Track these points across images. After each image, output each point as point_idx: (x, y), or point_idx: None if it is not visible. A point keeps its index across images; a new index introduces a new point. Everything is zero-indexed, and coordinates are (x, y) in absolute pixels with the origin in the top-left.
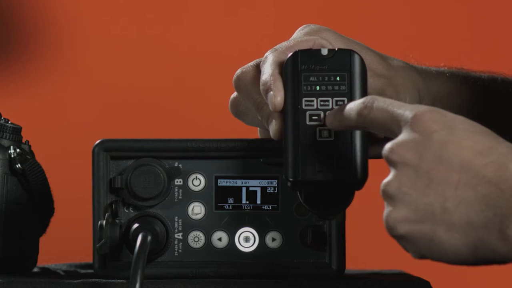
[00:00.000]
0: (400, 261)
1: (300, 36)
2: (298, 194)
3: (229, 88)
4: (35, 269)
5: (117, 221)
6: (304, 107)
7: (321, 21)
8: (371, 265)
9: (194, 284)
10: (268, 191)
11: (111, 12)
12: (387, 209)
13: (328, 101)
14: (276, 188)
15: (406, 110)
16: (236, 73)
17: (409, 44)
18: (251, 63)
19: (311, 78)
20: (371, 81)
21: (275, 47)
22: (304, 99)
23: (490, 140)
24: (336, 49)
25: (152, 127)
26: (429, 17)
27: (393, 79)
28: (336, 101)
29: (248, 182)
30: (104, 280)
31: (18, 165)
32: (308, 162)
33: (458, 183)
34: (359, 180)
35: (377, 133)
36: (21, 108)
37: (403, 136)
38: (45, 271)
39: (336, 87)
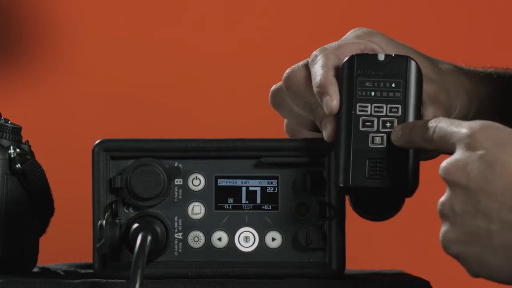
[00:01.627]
0: (400, 261)
1: (351, 38)
2: (348, 198)
3: (229, 88)
4: (35, 269)
5: (117, 221)
6: (358, 113)
7: (321, 21)
8: (371, 265)
9: (194, 284)
10: (268, 191)
11: (111, 12)
12: (442, 228)
13: (382, 107)
14: (276, 188)
15: (462, 128)
16: (286, 72)
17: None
18: (301, 63)
19: (367, 84)
20: (423, 86)
21: (324, 46)
22: (358, 104)
23: None
24: (393, 55)
25: (152, 127)
26: (429, 17)
27: (444, 84)
28: (390, 108)
29: (248, 182)
30: (104, 280)
31: (18, 165)
32: (360, 168)
33: (502, 205)
34: (410, 188)
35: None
36: (21, 108)
37: (456, 155)
38: (45, 271)
39: (391, 94)
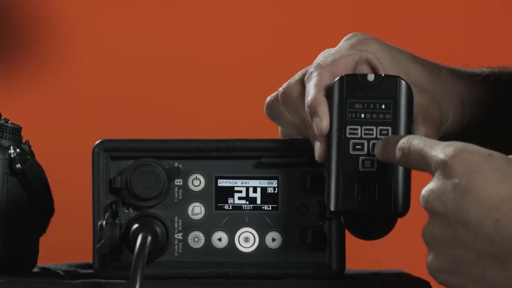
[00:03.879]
0: (400, 261)
1: (345, 48)
2: (341, 218)
3: (229, 88)
4: (35, 269)
5: (117, 221)
6: (348, 135)
7: (320, 21)
8: (371, 265)
9: (194, 284)
10: (268, 191)
11: (112, 13)
12: (428, 256)
13: (372, 129)
14: (276, 188)
15: (437, 153)
16: (282, 86)
17: (409, 44)
18: (297, 77)
19: (356, 105)
20: (416, 98)
21: (319, 60)
22: (348, 127)
23: (510, 188)
24: (383, 75)
25: (152, 127)
26: (428, 17)
27: (437, 94)
28: (381, 130)
29: (248, 182)
30: (104, 280)
31: (18, 165)
32: (350, 193)
33: (477, 235)
34: (401, 211)
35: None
36: (21, 108)
37: (432, 183)
38: (45, 271)
39: (381, 116)
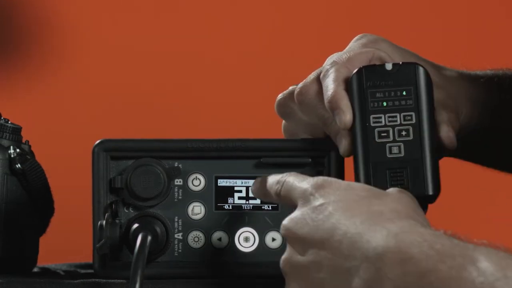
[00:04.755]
0: None
1: (357, 47)
2: None
3: (229, 88)
4: (35, 269)
5: (117, 221)
6: (372, 124)
7: (320, 21)
8: None
9: (194, 284)
10: None
11: (111, 12)
12: (285, 285)
13: (396, 116)
14: None
15: (303, 184)
16: (298, 86)
17: (409, 44)
18: (312, 76)
19: (378, 94)
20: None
21: (334, 58)
22: (371, 116)
23: (354, 236)
24: (401, 63)
25: (152, 127)
26: (430, 21)
27: (450, 90)
28: (404, 116)
29: (248, 182)
30: (104, 280)
31: (18, 165)
32: (381, 180)
33: (334, 252)
34: (432, 195)
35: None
36: (21, 108)
37: (294, 212)
38: (45, 271)
39: (403, 102)
